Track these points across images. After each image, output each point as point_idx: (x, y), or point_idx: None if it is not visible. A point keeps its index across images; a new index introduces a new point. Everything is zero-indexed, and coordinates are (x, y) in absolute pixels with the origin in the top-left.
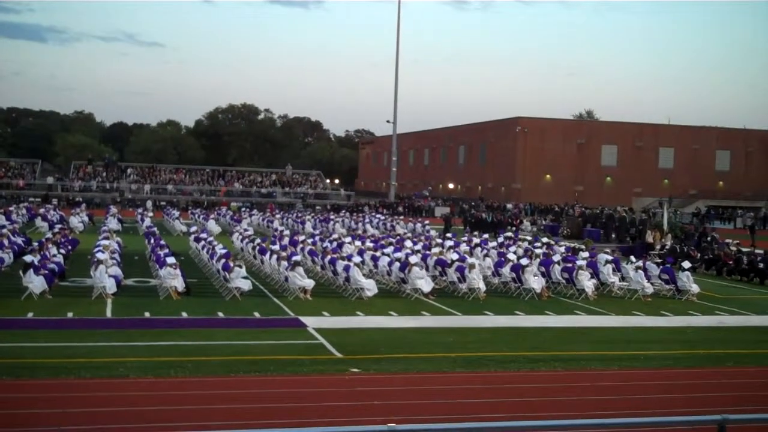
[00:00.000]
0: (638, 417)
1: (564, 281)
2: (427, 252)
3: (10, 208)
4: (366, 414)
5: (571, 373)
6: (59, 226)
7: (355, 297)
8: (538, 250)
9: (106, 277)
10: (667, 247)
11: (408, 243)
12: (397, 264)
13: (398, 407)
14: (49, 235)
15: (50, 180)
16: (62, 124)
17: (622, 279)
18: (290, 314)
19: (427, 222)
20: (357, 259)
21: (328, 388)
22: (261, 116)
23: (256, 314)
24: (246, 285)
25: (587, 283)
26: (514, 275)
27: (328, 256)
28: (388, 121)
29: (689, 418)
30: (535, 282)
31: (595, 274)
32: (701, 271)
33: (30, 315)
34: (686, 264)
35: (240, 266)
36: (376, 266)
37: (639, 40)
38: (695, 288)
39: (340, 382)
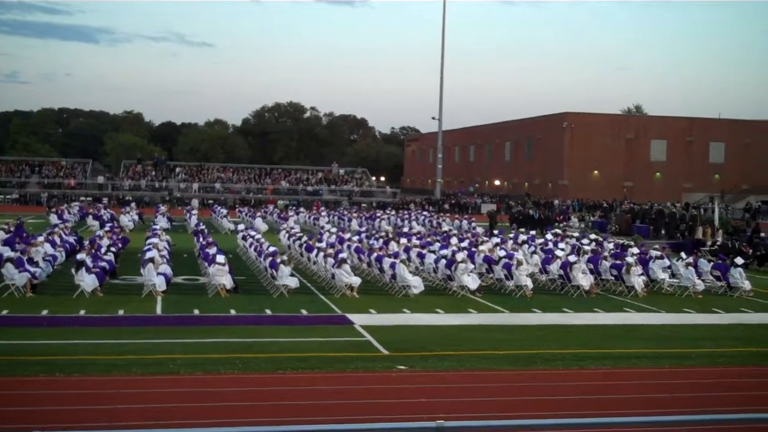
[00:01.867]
0: (690, 415)
1: (613, 278)
2: (474, 249)
3: (62, 207)
4: (413, 411)
5: (621, 370)
6: (110, 224)
7: (401, 294)
8: (586, 247)
9: (155, 274)
10: (718, 243)
11: (454, 240)
12: (444, 261)
13: (445, 404)
14: (100, 233)
15: (101, 179)
16: (112, 123)
17: (673, 276)
18: (337, 311)
19: (473, 219)
20: (403, 256)
21: (374, 385)
22: (307, 114)
23: (304, 311)
24: (293, 282)
25: (637, 279)
26: (561, 272)
27: (375, 254)
28: (433, 118)
29: (743, 416)
30: (583, 279)
31: (645, 271)
32: (753, 268)
33: (82, 312)
34: (739, 260)
35: (285, 262)
36: (422, 263)
37: (688, 33)
38: (747, 285)
39: (387, 380)
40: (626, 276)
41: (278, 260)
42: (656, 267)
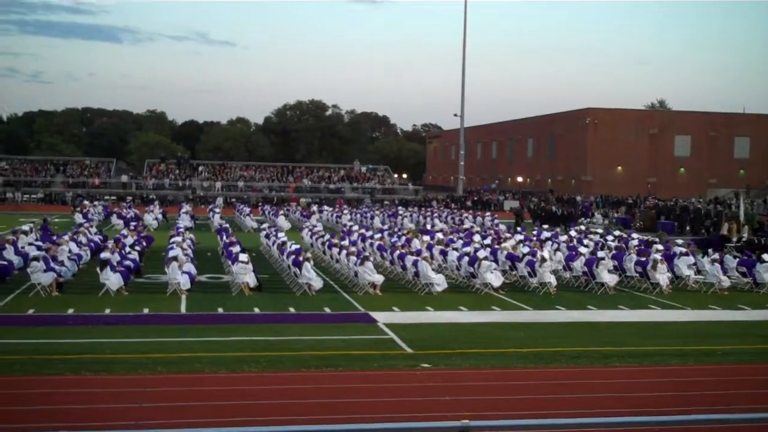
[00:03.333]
0: (716, 414)
1: (638, 275)
2: (497, 246)
3: (87, 206)
4: (437, 409)
5: (646, 368)
6: (134, 223)
7: (424, 292)
8: (611, 243)
9: (179, 273)
10: (744, 239)
11: (476, 237)
12: (467, 258)
13: (469, 403)
14: (124, 232)
15: (124, 178)
16: (135, 123)
17: (698, 272)
18: (360, 309)
19: (496, 216)
20: (426, 253)
21: (398, 383)
22: (329, 112)
23: (327, 309)
24: (318, 283)
25: (662, 276)
26: (585, 269)
27: (398, 251)
28: (455, 115)
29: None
30: (608, 276)
31: (670, 267)
32: None
33: (107, 311)
34: (766, 257)
35: (309, 260)
36: (445, 261)
37: (711, 27)
38: None
39: (411, 378)
40: (651, 273)
41: (301, 258)
42: (681, 263)
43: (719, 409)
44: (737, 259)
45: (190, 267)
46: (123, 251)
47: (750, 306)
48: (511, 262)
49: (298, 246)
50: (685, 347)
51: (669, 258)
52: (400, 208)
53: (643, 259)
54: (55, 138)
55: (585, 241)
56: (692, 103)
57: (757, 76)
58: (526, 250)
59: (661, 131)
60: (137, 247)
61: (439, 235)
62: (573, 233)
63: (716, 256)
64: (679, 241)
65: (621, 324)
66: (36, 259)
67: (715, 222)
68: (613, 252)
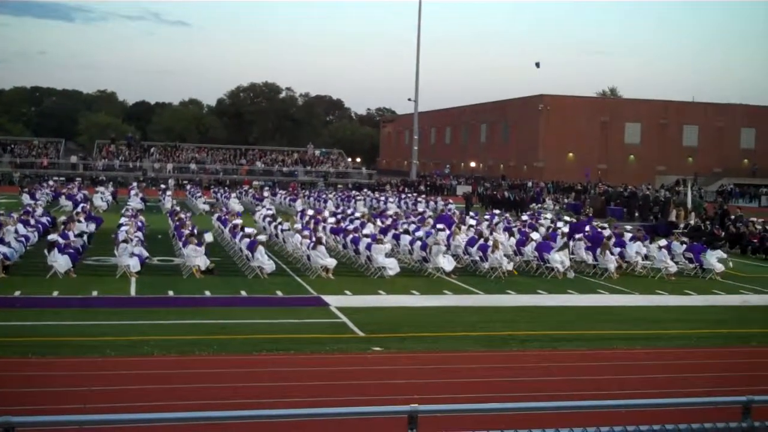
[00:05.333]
0: (661, 398)
1: (587, 260)
2: (449, 231)
3: (34, 187)
4: (388, 393)
5: (594, 352)
6: (83, 205)
7: (377, 276)
8: (564, 229)
9: (128, 255)
10: (690, 225)
11: (429, 221)
12: (419, 243)
13: (420, 386)
14: (78, 209)
15: (74, 159)
16: (85, 103)
17: (646, 258)
18: (312, 293)
19: (449, 201)
20: (381, 237)
21: (350, 366)
22: (282, 95)
23: (279, 293)
24: (269, 267)
25: (610, 262)
26: (536, 254)
27: (350, 235)
28: (409, 99)
29: (713, 399)
30: (559, 263)
31: (619, 252)
32: (725, 250)
33: (55, 293)
34: (716, 245)
35: (264, 244)
36: (398, 245)
37: (663, 16)
38: (719, 267)
39: (362, 361)
40: (601, 257)
41: (255, 240)
42: (630, 249)
43: (664, 393)
44: (684, 245)
45: (140, 249)
46: (73, 232)
47: (696, 291)
48: (463, 246)
49: (251, 229)
50: (632, 331)
51: (618, 244)
52: (353, 191)
53: (589, 245)
54: (2, 117)
55: (537, 226)
56: (643, 92)
57: (706, 65)
58: (485, 225)
59: (612, 119)
60: (86, 229)
61: (390, 221)
62: (525, 218)
63: (664, 242)
64: (628, 227)
65: (570, 308)
66: None
67: (663, 208)
68: (564, 239)
